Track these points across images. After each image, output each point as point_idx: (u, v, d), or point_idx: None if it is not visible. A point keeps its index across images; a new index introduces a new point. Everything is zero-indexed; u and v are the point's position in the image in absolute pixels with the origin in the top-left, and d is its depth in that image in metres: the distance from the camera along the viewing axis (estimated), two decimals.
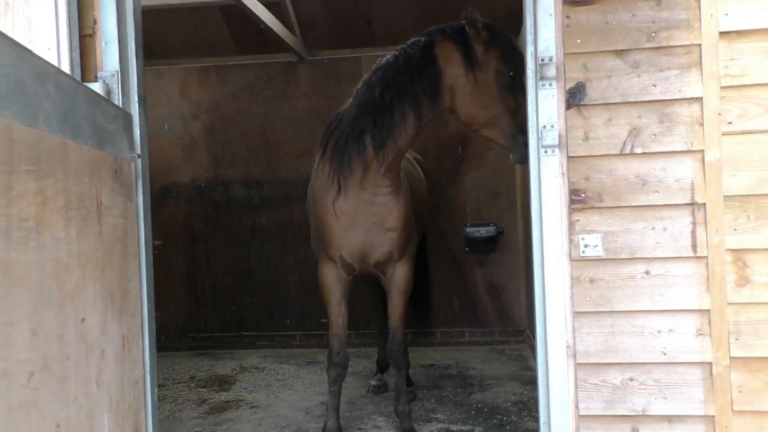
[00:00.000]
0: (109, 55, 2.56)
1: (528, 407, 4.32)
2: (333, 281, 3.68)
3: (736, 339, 2.50)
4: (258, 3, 5.17)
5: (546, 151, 2.57)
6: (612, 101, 2.58)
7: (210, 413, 4.46)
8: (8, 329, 1.48)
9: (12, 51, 1.58)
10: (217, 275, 6.72)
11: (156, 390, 2.63)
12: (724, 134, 2.51)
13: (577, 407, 2.59)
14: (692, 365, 2.54)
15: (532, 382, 4.74)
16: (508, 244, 6.43)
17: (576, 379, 2.59)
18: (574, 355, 2.58)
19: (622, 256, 2.57)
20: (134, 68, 2.63)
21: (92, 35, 2.59)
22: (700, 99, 2.53)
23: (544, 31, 2.57)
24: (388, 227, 3.59)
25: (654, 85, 2.56)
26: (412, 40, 3.46)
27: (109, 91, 2.53)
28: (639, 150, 2.57)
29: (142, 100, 2.64)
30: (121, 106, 2.53)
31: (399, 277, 3.75)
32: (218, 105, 6.73)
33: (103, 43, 2.55)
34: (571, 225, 2.59)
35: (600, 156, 2.59)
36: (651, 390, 2.56)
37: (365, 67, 6.03)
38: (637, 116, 2.57)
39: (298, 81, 6.65)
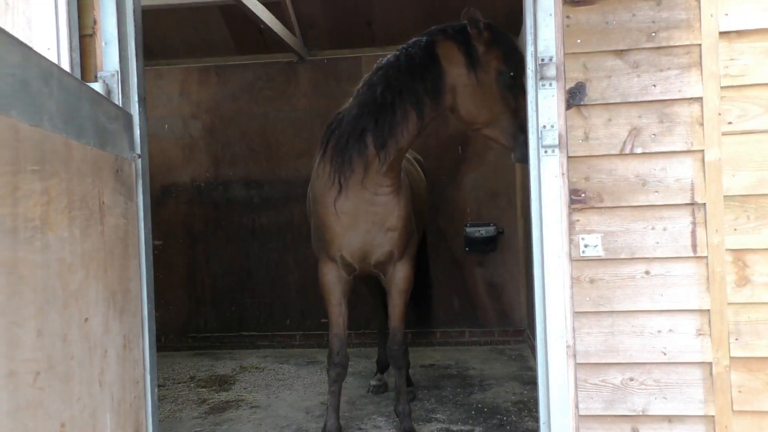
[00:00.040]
0: (109, 55, 2.56)
1: (528, 407, 4.33)
2: (333, 281, 3.68)
3: (736, 339, 2.51)
4: (258, 3, 5.17)
5: (546, 151, 2.57)
6: (612, 101, 2.58)
7: (210, 413, 4.46)
8: (15, 329, 1.49)
9: (18, 51, 1.58)
10: (217, 275, 6.72)
11: (156, 390, 2.63)
12: (724, 134, 2.51)
13: (577, 407, 2.59)
14: (692, 365, 2.54)
15: (532, 382, 4.74)
16: (508, 244, 6.43)
17: (576, 379, 2.59)
18: (574, 355, 2.59)
19: (622, 256, 2.58)
20: (134, 68, 2.63)
21: (92, 35, 2.59)
22: (700, 99, 2.53)
23: (544, 31, 2.57)
24: (388, 227, 3.59)
25: (654, 85, 2.56)
26: (413, 40, 3.46)
27: (109, 91, 2.53)
28: (639, 150, 2.57)
29: (142, 100, 2.64)
30: (121, 106, 2.54)
31: (399, 276, 3.75)
32: (218, 105, 6.74)
33: (103, 43, 2.55)
34: (571, 225, 2.59)
35: (600, 156, 2.59)
36: (651, 390, 2.56)
37: (365, 67, 6.03)
38: (637, 116, 2.57)
39: (298, 81, 6.65)
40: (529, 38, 2.61)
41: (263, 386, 5.14)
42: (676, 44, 2.55)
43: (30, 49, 1.68)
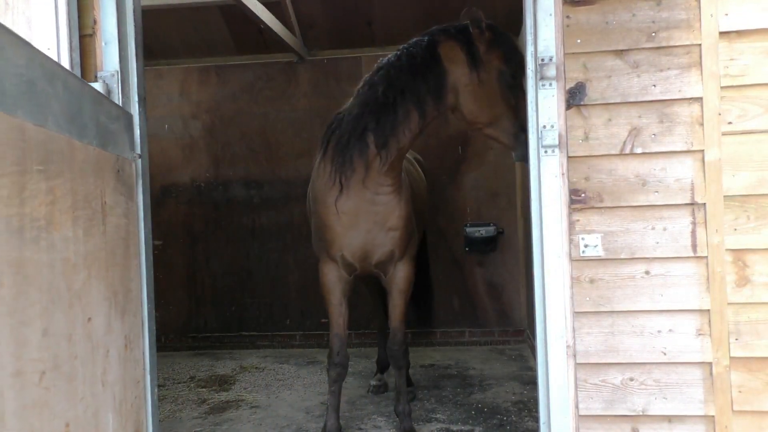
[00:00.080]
0: (109, 55, 2.56)
1: (528, 407, 4.33)
2: (334, 281, 3.68)
3: (736, 339, 2.51)
4: (258, 3, 5.17)
5: (546, 151, 2.58)
6: (612, 101, 2.58)
7: (210, 413, 4.46)
8: (22, 328, 1.50)
9: (24, 51, 1.59)
10: (217, 275, 6.72)
11: (156, 390, 2.63)
12: (724, 134, 2.51)
13: (577, 407, 2.59)
14: (692, 365, 2.55)
15: (532, 382, 4.74)
16: (508, 244, 6.44)
17: (576, 379, 2.59)
18: (574, 355, 2.59)
19: (622, 256, 2.58)
20: (134, 68, 2.63)
21: (92, 35, 2.59)
22: (700, 99, 2.54)
23: (544, 31, 2.58)
24: (389, 226, 3.60)
25: (654, 85, 2.56)
26: (414, 39, 3.46)
27: (109, 91, 2.53)
28: (639, 150, 2.57)
29: (142, 100, 2.65)
30: (121, 105, 2.54)
31: (400, 276, 3.75)
32: (218, 105, 6.74)
33: (103, 43, 2.56)
34: (571, 225, 2.60)
35: (600, 156, 2.59)
36: (651, 390, 2.57)
37: (365, 67, 6.03)
38: (637, 116, 2.58)
39: (298, 81, 6.65)
40: (529, 38, 2.61)
41: (263, 386, 5.15)
42: (676, 44, 2.55)
43: (35, 49, 1.68)
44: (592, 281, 2.59)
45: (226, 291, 6.69)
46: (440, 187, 6.32)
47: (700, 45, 2.53)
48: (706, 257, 2.53)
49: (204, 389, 5.11)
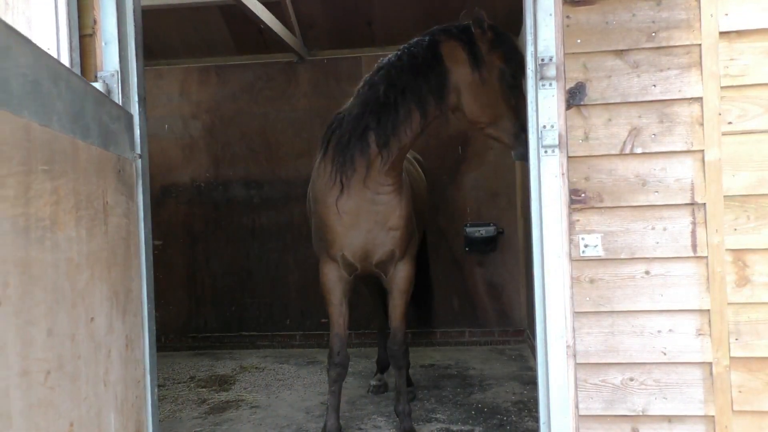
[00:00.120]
0: (109, 55, 2.56)
1: (528, 407, 4.33)
2: (334, 281, 3.68)
3: (736, 339, 2.51)
4: (258, 3, 5.17)
5: (546, 151, 2.58)
6: (612, 101, 2.59)
7: (210, 413, 4.46)
8: (28, 328, 1.50)
9: (30, 52, 1.59)
10: (217, 275, 6.72)
11: (156, 390, 2.64)
12: (724, 134, 2.52)
13: (577, 407, 2.59)
14: (692, 365, 2.55)
15: (532, 382, 4.74)
16: (508, 244, 6.44)
17: (576, 379, 2.60)
18: (574, 355, 2.59)
19: (622, 256, 2.58)
20: (134, 68, 2.63)
21: (92, 35, 2.59)
22: (700, 99, 2.54)
23: (544, 31, 2.58)
24: (390, 226, 3.60)
25: (654, 85, 2.57)
26: (415, 39, 3.46)
27: (109, 91, 2.53)
28: (639, 150, 2.57)
29: (142, 100, 2.65)
30: (121, 106, 2.54)
31: (400, 276, 3.75)
32: (218, 105, 6.74)
33: (103, 43, 2.56)
34: (571, 225, 2.60)
35: (600, 156, 2.59)
36: (651, 390, 2.57)
37: (365, 67, 6.04)
38: (637, 116, 2.58)
39: (298, 81, 6.65)
40: (529, 38, 2.61)
41: (263, 386, 5.15)
42: (676, 44, 2.55)
43: (40, 49, 1.69)
44: (592, 281, 2.59)
45: (226, 291, 6.69)
46: (440, 187, 6.32)
47: (700, 45, 2.53)
48: (706, 257, 2.53)
49: (204, 389, 5.11)
